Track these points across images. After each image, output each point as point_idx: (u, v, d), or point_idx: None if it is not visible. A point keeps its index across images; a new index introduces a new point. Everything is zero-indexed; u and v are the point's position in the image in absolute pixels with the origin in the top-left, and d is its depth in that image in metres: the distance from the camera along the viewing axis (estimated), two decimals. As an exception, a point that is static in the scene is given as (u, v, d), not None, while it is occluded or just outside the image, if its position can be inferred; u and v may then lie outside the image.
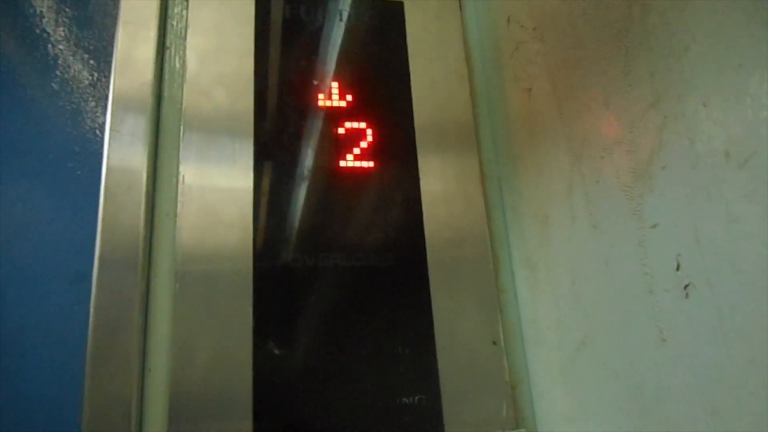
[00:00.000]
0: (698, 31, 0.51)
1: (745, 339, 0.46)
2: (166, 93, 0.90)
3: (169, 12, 0.94)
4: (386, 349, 0.82)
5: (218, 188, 0.84)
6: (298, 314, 0.81)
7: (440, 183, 0.92)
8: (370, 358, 0.81)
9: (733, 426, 0.48)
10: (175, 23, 0.94)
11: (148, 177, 0.83)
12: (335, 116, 0.93)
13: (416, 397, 0.80)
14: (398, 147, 0.93)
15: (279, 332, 0.80)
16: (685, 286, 0.52)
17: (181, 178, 0.84)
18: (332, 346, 0.81)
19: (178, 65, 0.92)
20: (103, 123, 0.90)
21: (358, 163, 0.91)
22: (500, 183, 0.95)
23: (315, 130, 0.92)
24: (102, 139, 0.88)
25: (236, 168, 0.86)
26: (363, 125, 0.93)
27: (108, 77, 0.90)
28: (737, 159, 0.47)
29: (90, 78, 0.97)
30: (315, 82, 0.94)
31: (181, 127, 0.87)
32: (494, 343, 0.85)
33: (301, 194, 0.88)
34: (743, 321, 0.47)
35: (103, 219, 0.80)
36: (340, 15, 0.99)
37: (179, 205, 0.82)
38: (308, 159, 0.90)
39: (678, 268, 0.53)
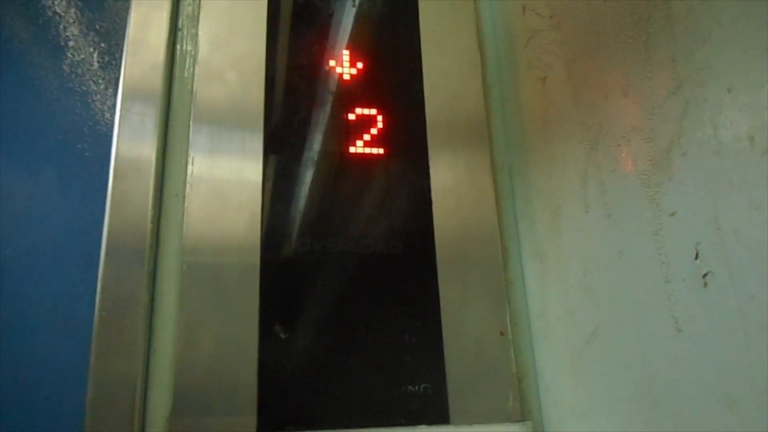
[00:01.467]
0: (723, 15, 0.50)
1: (765, 329, 0.45)
2: (177, 75, 0.89)
3: (182, -6, 0.94)
4: (393, 338, 0.81)
5: (227, 170, 0.84)
6: (305, 299, 0.81)
7: (450, 172, 0.91)
8: (377, 346, 0.80)
9: (752, 419, 0.47)
10: (187, 5, 0.93)
11: (157, 158, 0.82)
12: (346, 103, 0.92)
13: (422, 386, 0.79)
14: (409, 135, 0.92)
15: (285, 317, 0.79)
16: (704, 275, 0.51)
17: (190, 159, 0.83)
18: (338, 333, 0.80)
19: (190, 48, 0.91)
20: (113, 105, 0.89)
21: (368, 150, 0.90)
22: (511, 173, 0.94)
23: (325, 115, 0.91)
24: (112, 121, 0.87)
25: (246, 151, 0.85)
26: (374, 112, 0.92)
27: (119, 59, 0.90)
28: (762, 145, 0.46)
29: (101, 60, 0.97)
30: (326, 68, 0.93)
31: (192, 110, 0.86)
32: (501, 334, 0.84)
33: (310, 179, 0.87)
34: (764, 310, 0.45)
35: (112, 199, 0.79)
36: (353, 0, 0.98)
37: (188, 187, 0.82)
38: (318, 144, 0.89)
39: (697, 257, 0.52)
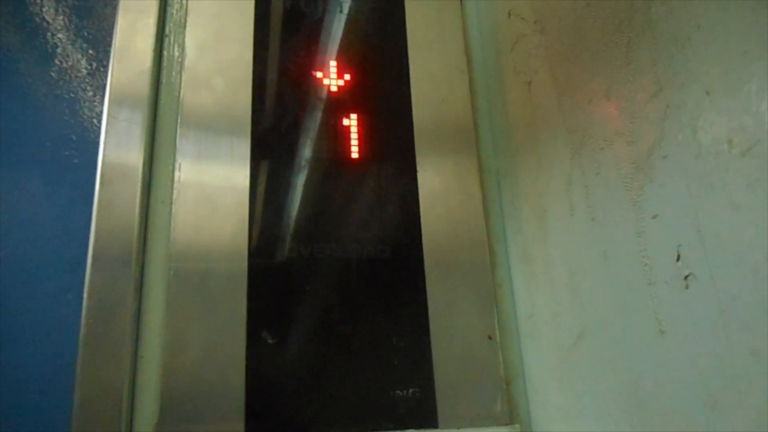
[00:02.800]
0: (702, 19, 0.51)
1: (746, 329, 0.46)
2: (164, 81, 0.89)
3: (169, 0, 0.94)
4: (381, 342, 0.81)
5: (215, 176, 0.84)
6: (293, 304, 0.81)
7: (438, 176, 0.91)
8: (365, 350, 0.80)
9: (734, 419, 0.47)
10: (174, 12, 0.93)
11: (144, 164, 0.82)
12: (334, 108, 0.92)
13: (410, 390, 0.79)
14: (396, 140, 0.93)
15: (273, 322, 0.79)
16: (686, 277, 0.52)
17: (177, 165, 0.83)
18: (326, 338, 0.80)
19: (177, 54, 0.91)
20: (101, 112, 0.89)
21: (355, 155, 0.90)
22: (498, 177, 0.95)
23: (313, 121, 0.91)
24: (99, 127, 0.87)
25: (233, 157, 0.85)
26: (361, 117, 0.92)
27: (107, 67, 0.90)
28: (740, 147, 0.46)
29: (89, 67, 0.97)
30: (314, 74, 0.94)
31: (179, 116, 0.86)
32: (490, 337, 0.84)
33: (298, 185, 0.87)
34: (745, 311, 0.46)
35: (99, 205, 0.79)
36: (341, 7, 0.99)
37: (175, 193, 0.82)
38: (306, 150, 0.89)
39: (678, 259, 0.53)
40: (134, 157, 0.82)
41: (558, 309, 0.76)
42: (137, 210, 0.80)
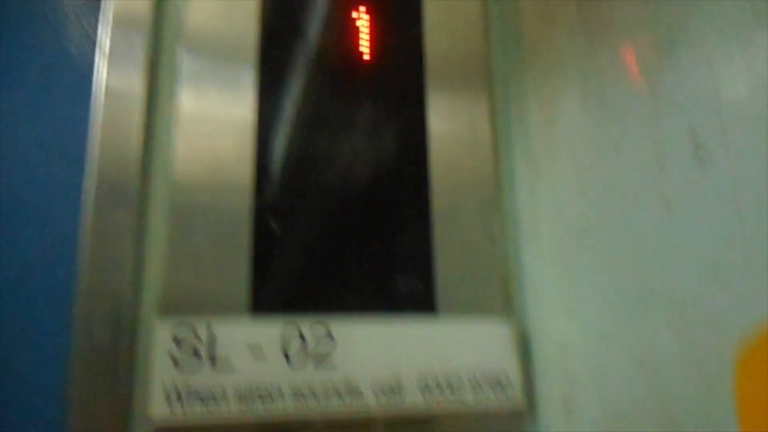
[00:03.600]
0: None
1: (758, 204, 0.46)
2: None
3: None
4: (386, 240, 0.83)
5: (219, 94, 0.81)
6: (299, 204, 0.81)
7: (445, 82, 0.91)
8: (370, 246, 0.82)
9: (736, 283, 0.48)
10: None
11: (145, 85, 0.79)
12: (347, 38, 0.90)
13: (411, 281, 0.81)
14: (406, 41, 0.92)
15: (279, 215, 0.79)
16: (701, 159, 0.52)
17: (180, 84, 0.80)
18: (333, 236, 0.82)
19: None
20: (98, 30, 0.86)
21: (367, 58, 0.89)
22: (506, 77, 0.94)
23: (323, 49, 0.88)
24: (94, 47, 0.84)
25: (239, 74, 0.82)
26: (374, 20, 0.90)
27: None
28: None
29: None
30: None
31: (182, 34, 0.82)
32: (491, 237, 0.86)
33: (306, 108, 0.85)
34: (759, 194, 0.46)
35: (98, 127, 0.77)
36: None
37: (177, 116, 0.79)
38: (315, 68, 0.87)
39: (694, 142, 0.53)
40: (135, 77, 0.79)
41: (562, 206, 0.76)
42: (137, 133, 0.77)
